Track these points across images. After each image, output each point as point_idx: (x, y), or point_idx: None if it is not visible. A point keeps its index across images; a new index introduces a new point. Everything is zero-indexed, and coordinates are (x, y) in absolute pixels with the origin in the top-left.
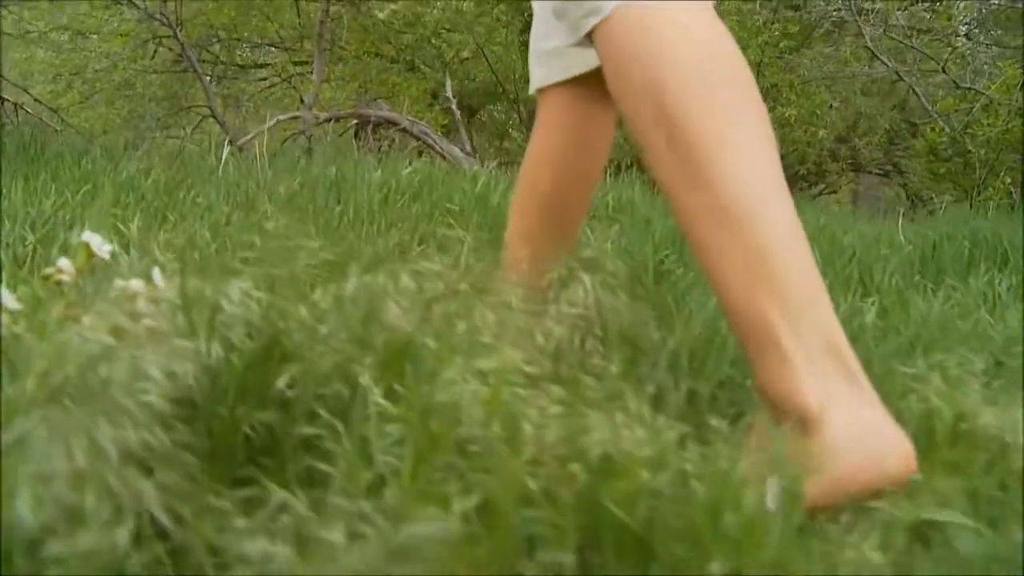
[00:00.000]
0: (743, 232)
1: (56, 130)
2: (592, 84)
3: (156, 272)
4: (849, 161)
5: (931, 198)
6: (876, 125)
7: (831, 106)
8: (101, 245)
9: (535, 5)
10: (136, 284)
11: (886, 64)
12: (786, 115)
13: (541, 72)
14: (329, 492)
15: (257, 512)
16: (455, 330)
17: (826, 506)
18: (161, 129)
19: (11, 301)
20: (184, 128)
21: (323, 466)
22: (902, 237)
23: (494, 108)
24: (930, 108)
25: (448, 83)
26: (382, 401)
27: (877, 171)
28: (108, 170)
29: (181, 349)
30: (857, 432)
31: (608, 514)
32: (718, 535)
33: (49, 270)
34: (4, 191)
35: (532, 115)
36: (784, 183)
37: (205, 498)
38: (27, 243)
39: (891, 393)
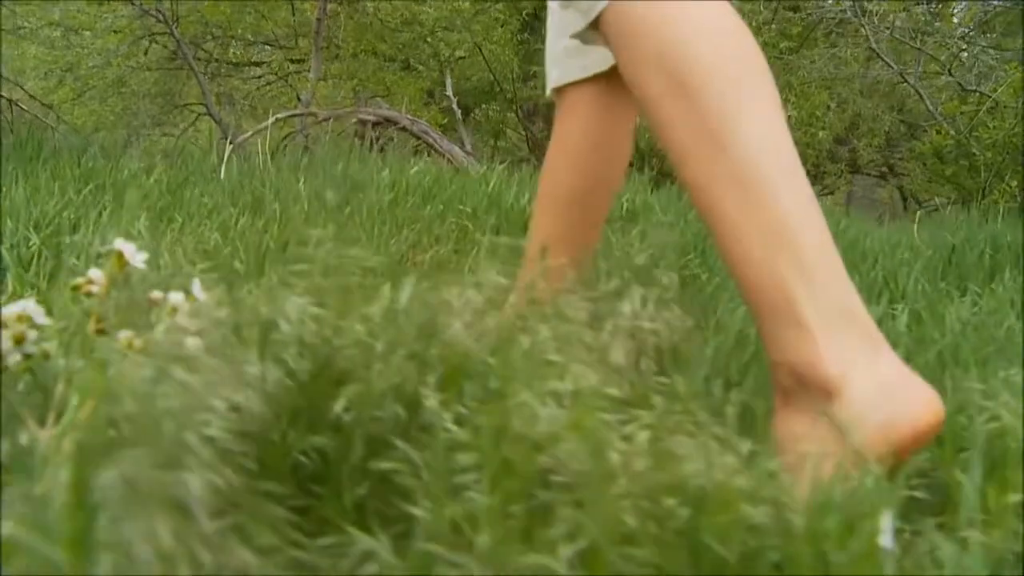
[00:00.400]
0: (763, 200)
1: (52, 127)
2: (611, 81)
3: (196, 283)
4: (847, 163)
5: (929, 200)
6: (876, 127)
7: (829, 107)
8: (135, 254)
9: (550, 5)
10: (175, 297)
11: (891, 66)
12: (787, 116)
13: (557, 72)
14: (410, 531)
15: (341, 561)
16: (518, 346)
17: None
18: (154, 126)
19: (40, 315)
20: (177, 126)
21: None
22: (918, 241)
23: (489, 107)
24: (934, 111)
25: (448, 81)
26: (452, 427)
27: (875, 173)
28: (109, 169)
29: (241, 375)
30: (880, 391)
31: (708, 551)
32: (826, 573)
33: (79, 280)
34: (4, 190)
35: (528, 114)
36: (796, 153)
37: (290, 552)
38: (31, 244)
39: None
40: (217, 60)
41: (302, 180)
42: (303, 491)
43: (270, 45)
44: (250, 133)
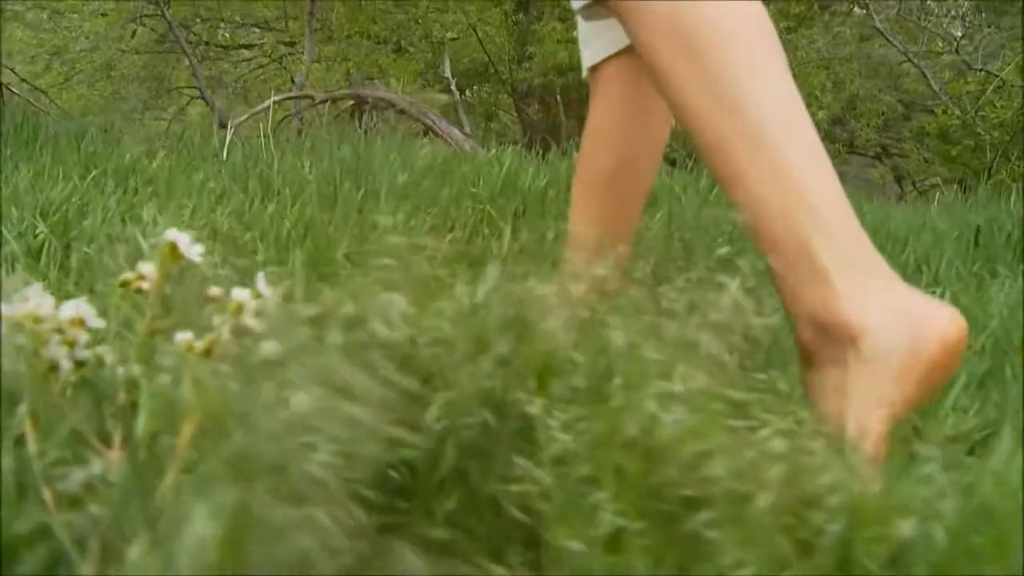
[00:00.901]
0: (776, 155)
1: (45, 112)
2: (636, 56)
3: (261, 278)
4: (844, 143)
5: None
6: (874, 107)
7: (826, 87)
8: (190, 245)
9: None
10: (239, 294)
11: (895, 45)
12: None
13: (591, 52)
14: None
15: None
16: (611, 343)
17: (910, 404)
18: (144, 111)
19: (93, 317)
20: (166, 109)
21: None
22: (939, 223)
23: (481, 89)
24: (938, 90)
25: (447, 63)
26: (562, 435)
27: (871, 153)
28: (110, 153)
29: (346, 386)
30: (901, 319)
31: (860, 568)
32: None
33: (128, 275)
34: (5, 176)
35: (522, 96)
36: (805, 109)
37: None
38: (38, 232)
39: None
40: (207, 43)
41: (308, 163)
42: (391, 508)
43: (259, 27)
44: (246, 116)
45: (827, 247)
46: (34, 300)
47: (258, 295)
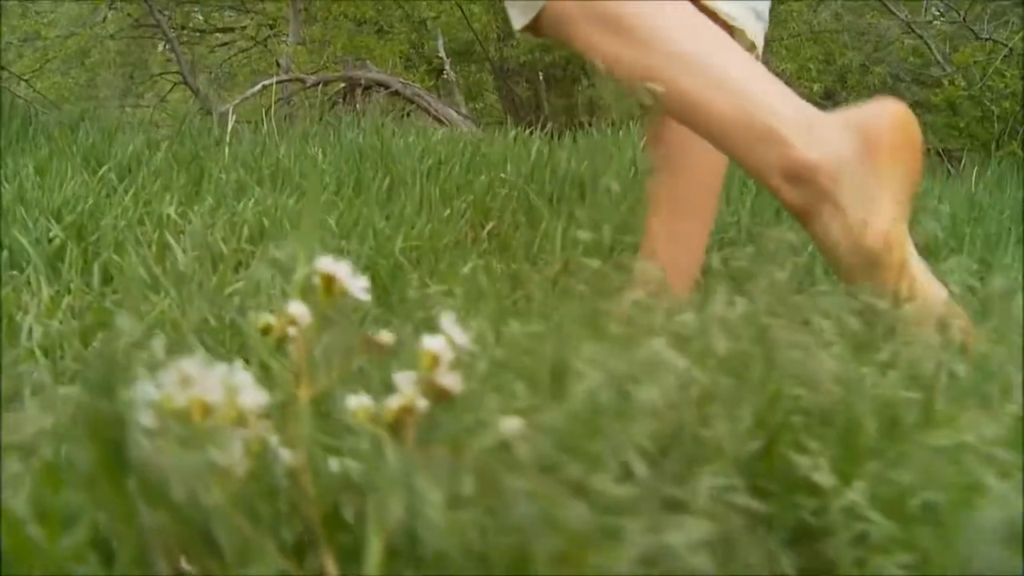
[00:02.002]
0: (707, 65)
1: (26, 101)
2: None
3: (448, 320)
4: None
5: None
6: (867, 79)
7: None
8: (351, 278)
9: None
10: (433, 344)
11: (896, 15)
12: (782, 69)
13: None
14: None
15: None
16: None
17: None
18: (122, 97)
19: (255, 391)
20: (143, 96)
21: None
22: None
23: (467, 70)
24: (942, 60)
25: (441, 42)
26: (859, 499)
27: None
28: (108, 144)
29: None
30: (848, 134)
31: None
32: None
33: (267, 319)
34: (4, 173)
35: (508, 75)
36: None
37: None
38: (53, 237)
39: None
40: (184, 27)
41: (320, 151)
42: None
43: (236, 10)
44: (238, 100)
45: (774, 117)
46: (194, 377)
47: (449, 340)
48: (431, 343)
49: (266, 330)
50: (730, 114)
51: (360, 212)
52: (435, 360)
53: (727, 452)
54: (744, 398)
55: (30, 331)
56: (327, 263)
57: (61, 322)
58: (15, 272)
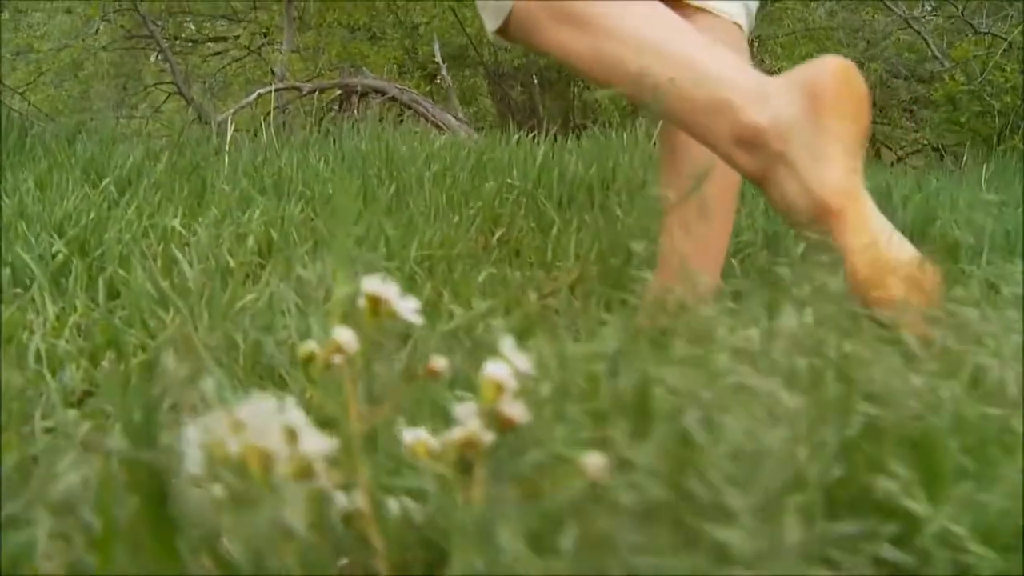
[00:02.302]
0: (672, 52)
1: (20, 114)
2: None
3: (508, 344)
4: None
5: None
6: (867, 75)
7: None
8: (399, 298)
9: None
10: (497, 370)
11: (894, 11)
12: (777, 67)
13: None
14: None
15: None
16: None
17: (850, 138)
18: (114, 109)
19: (315, 435)
20: (137, 107)
21: None
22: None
23: (460, 74)
24: (939, 55)
25: (437, 47)
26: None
27: None
28: (107, 155)
29: None
30: (792, 92)
31: None
32: None
33: (310, 346)
34: (4, 187)
35: (502, 78)
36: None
37: None
38: (56, 252)
39: None
40: (177, 38)
41: (321, 159)
42: None
43: (228, 19)
44: (233, 110)
45: (723, 86)
46: (246, 420)
47: (511, 365)
48: (494, 370)
49: (309, 359)
50: (691, 91)
51: (369, 221)
52: (499, 389)
53: (811, 480)
54: (824, 419)
55: (37, 352)
56: (374, 283)
57: (68, 341)
58: (19, 290)
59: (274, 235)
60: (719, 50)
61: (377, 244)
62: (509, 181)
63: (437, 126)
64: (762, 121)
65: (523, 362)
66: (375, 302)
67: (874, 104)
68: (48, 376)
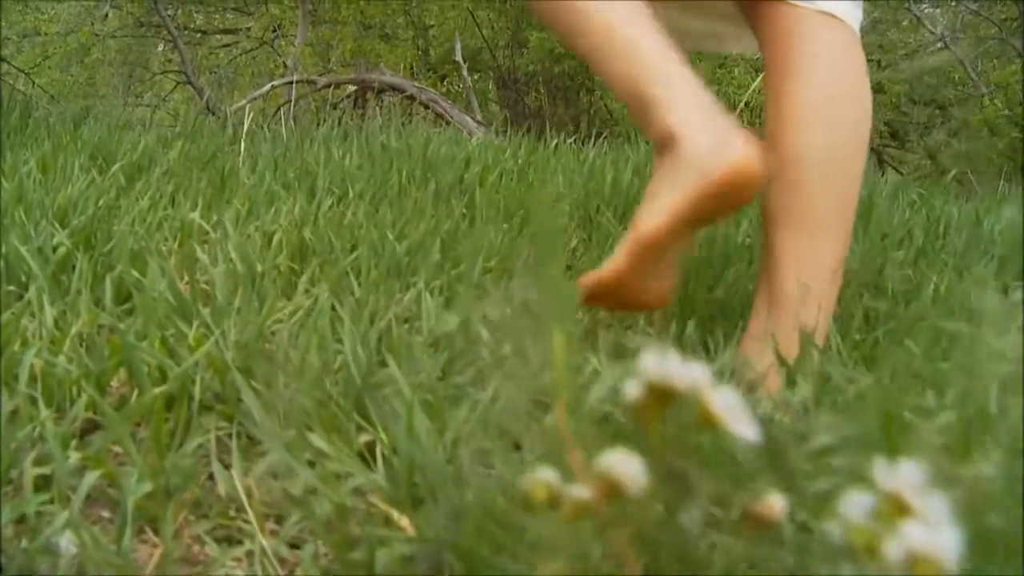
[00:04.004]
0: (617, 38)
1: (24, 94)
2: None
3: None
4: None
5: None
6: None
7: None
8: (726, 398)
9: None
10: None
11: (931, 30)
12: None
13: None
14: None
15: None
16: None
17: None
18: (121, 96)
19: None
20: (142, 96)
21: None
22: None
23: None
24: (976, 78)
25: (458, 47)
26: None
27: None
28: (115, 141)
29: None
30: (709, 138)
31: None
32: None
33: (542, 478)
34: (4, 170)
35: (514, 83)
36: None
37: None
38: (57, 244)
39: None
40: (186, 28)
41: (346, 155)
42: None
43: (239, 11)
44: (245, 101)
45: (654, 84)
46: None
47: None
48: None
49: (541, 497)
50: (627, 83)
51: (415, 227)
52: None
53: None
54: None
55: (31, 371)
56: (661, 362)
57: (71, 358)
58: (12, 287)
59: (309, 237)
60: (660, 45)
61: (430, 253)
62: (558, 188)
63: (455, 126)
64: (679, 132)
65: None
66: (664, 395)
67: (887, 126)
68: (43, 407)
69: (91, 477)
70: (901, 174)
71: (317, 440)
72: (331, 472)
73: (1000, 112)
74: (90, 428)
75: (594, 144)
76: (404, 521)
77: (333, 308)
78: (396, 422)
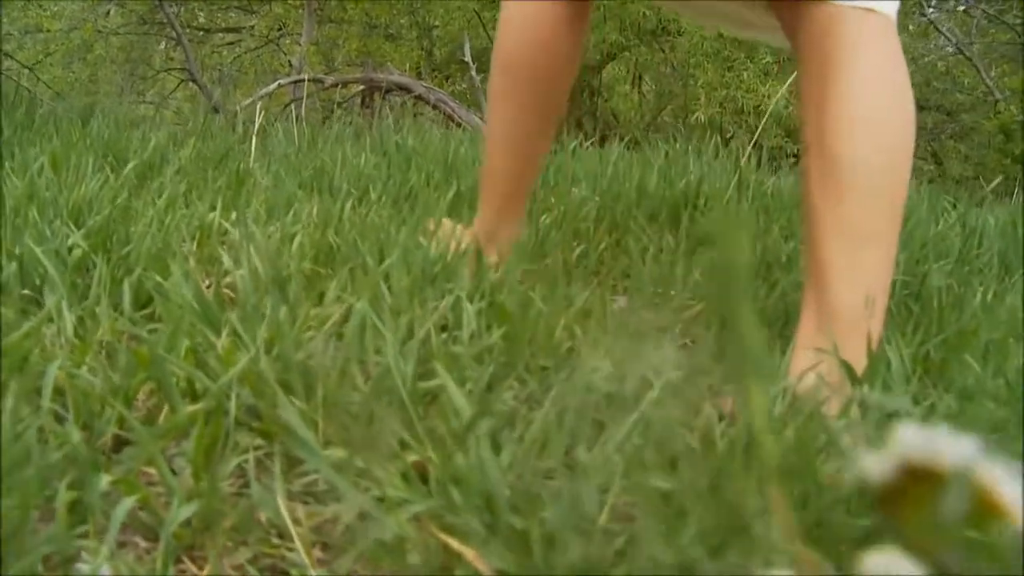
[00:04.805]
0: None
1: (28, 90)
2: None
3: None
4: None
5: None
6: None
7: None
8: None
9: None
10: None
11: (948, 37)
12: None
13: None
14: None
15: None
16: None
17: None
18: (123, 94)
19: None
20: (144, 94)
21: None
22: None
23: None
24: (990, 84)
25: (467, 46)
26: None
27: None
28: (124, 139)
29: None
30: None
31: None
32: None
33: None
34: (11, 165)
35: None
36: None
37: None
38: (72, 245)
39: None
40: (189, 26)
41: (362, 155)
42: None
43: (243, 10)
44: (251, 99)
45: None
46: None
47: None
48: None
49: None
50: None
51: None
52: None
53: None
54: None
55: (55, 384)
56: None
57: (92, 369)
58: (27, 291)
59: (335, 240)
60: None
61: (463, 256)
62: (579, 192)
63: (461, 127)
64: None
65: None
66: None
67: None
68: (75, 429)
69: (126, 503)
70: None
71: (360, 460)
72: (384, 497)
73: (1015, 117)
74: (117, 445)
75: (602, 145)
76: (469, 553)
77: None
78: (452, 441)
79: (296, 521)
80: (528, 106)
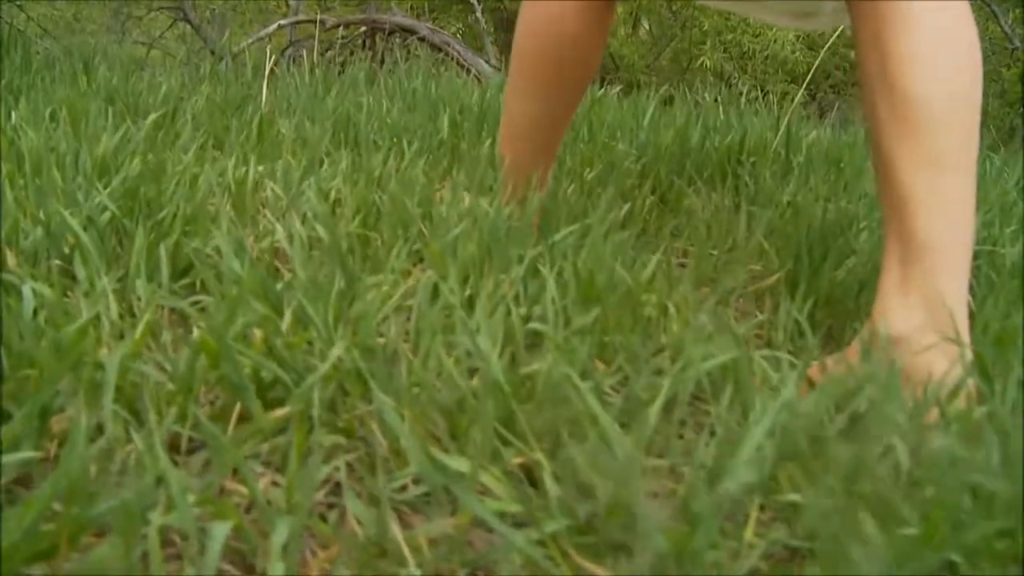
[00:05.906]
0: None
1: (20, 30)
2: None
3: None
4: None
5: None
6: None
7: None
8: None
9: None
10: None
11: None
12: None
13: None
14: None
15: None
16: None
17: None
18: (105, 34)
19: None
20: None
21: None
22: None
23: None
24: (1010, 31)
25: None
26: None
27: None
28: (132, 83)
29: None
30: None
31: None
32: None
33: None
34: (22, 115)
35: (510, 23)
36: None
37: None
38: (102, 208)
39: None
40: None
41: (385, 103)
42: None
43: None
44: (251, 41)
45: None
46: None
47: None
48: None
49: None
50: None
51: (499, 189)
52: None
53: None
54: None
55: (116, 385)
56: None
57: (150, 360)
58: (57, 261)
59: (380, 201)
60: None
61: (526, 217)
62: (612, 143)
63: (468, 71)
64: None
65: None
66: None
67: None
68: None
69: (221, 531)
70: None
71: (457, 463)
72: (503, 512)
73: None
74: (190, 450)
75: (603, 88)
76: (601, 572)
77: (436, 288)
78: (572, 442)
79: (415, 548)
80: (555, 98)
